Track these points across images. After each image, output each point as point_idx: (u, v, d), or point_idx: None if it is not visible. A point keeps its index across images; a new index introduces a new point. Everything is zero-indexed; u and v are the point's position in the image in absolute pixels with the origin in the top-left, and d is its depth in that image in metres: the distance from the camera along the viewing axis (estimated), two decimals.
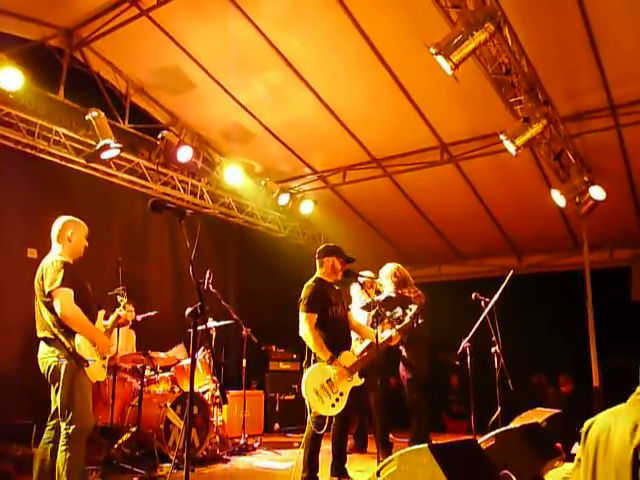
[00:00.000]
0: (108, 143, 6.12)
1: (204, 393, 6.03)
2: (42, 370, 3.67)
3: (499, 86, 5.42)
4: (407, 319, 4.63)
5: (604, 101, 6.22)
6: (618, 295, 8.21)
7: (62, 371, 3.56)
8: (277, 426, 8.06)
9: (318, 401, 4.18)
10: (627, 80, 5.88)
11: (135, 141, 7.27)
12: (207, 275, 5.83)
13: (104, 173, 6.95)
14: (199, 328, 2.74)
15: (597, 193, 6.66)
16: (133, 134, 7.24)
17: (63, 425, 3.53)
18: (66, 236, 3.89)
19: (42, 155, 6.32)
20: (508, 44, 4.95)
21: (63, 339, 3.59)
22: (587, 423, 2.09)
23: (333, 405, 4.22)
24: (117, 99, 7.12)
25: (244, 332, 6.51)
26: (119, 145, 6.25)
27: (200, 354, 6.12)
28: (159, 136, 6.93)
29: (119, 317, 4.32)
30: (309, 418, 4.31)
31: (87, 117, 6.10)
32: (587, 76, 5.90)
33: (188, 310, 2.63)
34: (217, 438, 6.06)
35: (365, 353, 4.71)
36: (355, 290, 6.44)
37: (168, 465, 5.01)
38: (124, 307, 4.40)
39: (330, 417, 4.29)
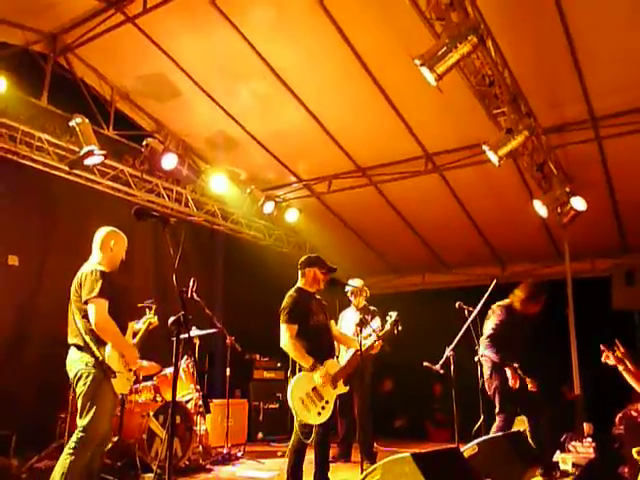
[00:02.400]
0: (92, 149, 6.07)
1: (187, 402, 5.98)
2: (70, 376, 3.75)
3: (482, 97, 5.49)
4: (388, 326, 4.63)
5: (585, 113, 6.31)
6: (599, 304, 8.30)
7: (89, 379, 3.62)
8: (261, 435, 8.02)
9: (304, 410, 4.17)
10: (608, 93, 5.98)
11: (119, 148, 7.22)
12: (191, 283, 5.81)
13: (88, 180, 6.88)
14: (182, 337, 2.72)
15: (578, 204, 6.75)
16: (117, 141, 7.19)
17: (77, 430, 3.57)
18: (109, 246, 4.00)
19: (25, 161, 6.25)
20: (491, 56, 5.03)
21: (94, 348, 3.67)
22: None
23: (319, 413, 4.22)
24: (102, 105, 7.07)
25: (228, 341, 6.48)
26: (103, 152, 6.21)
27: (183, 363, 6.07)
28: (144, 143, 6.89)
29: (150, 324, 4.44)
30: (295, 427, 4.30)
31: (71, 123, 6.06)
32: (569, 88, 5.99)
33: (171, 319, 2.62)
34: (200, 447, 6.01)
35: (351, 361, 4.71)
36: (349, 311, 6.54)
37: (150, 475, 4.95)
38: (153, 319, 4.52)
39: (315, 425, 4.29)
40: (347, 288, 6.28)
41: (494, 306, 5.34)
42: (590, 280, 8.55)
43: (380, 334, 4.65)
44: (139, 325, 4.28)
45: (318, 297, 4.71)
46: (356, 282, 6.47)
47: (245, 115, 7.32)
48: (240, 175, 8.47)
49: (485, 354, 5.12)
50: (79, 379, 3.66)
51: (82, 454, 3.53)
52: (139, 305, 4.87)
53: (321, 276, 4.64)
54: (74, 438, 3.55)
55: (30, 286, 6.34)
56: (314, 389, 4.26)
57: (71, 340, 3.77)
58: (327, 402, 4.28)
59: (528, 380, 4.98)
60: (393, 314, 4.69)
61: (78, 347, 3.72)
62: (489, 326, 5.23)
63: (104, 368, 3.66)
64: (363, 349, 4.53)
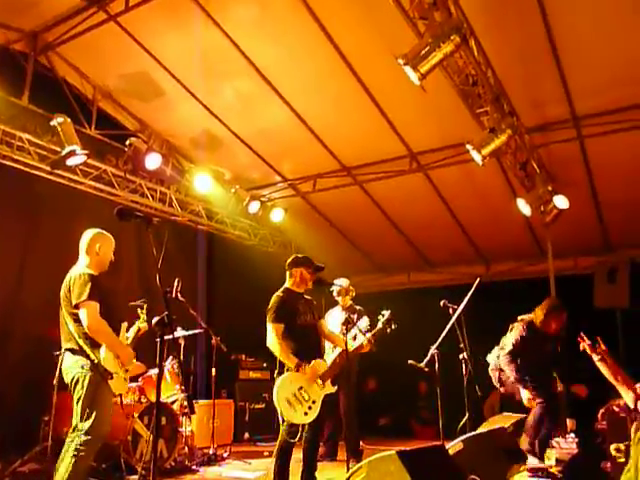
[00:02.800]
0: (74, 149, 6.00)
1: (172, 403, 5.95)
2: (66, 380, 3.75)
3: (466, 97, 5.53)
4: (380, 324, 4.64)
5: (567, 113, 6.38)
6: (582, 301, 8.39)
7: (86, 382, 3.63)
8: (247, 435, 8.00)
9: (290, 410, 4.16)
10: (589, 93, 6.05)
11: (102, 148, 7.14)
12: (176, 283, 5.78)
13: (70, 180, 6.80)
14: (167, 337, 2.71)
15: (561, 202, 6.82)
16: (100, 140, 7.11)
17: (77, 432, 3.58)
18: (94, 250, 3.98)
19: (5, 162, 6.16)
20: (474, 56, 5.06)
21: (88, 351, 3.68)
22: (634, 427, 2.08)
23: (306, 413, 4.22)
24: (84, 105, 6.98)
25: (213, 341, 6.45)
26: (85, 152, 6.13)
27: (168, 364, 6.04)
28: (127, 143, 6.82)
29: (139, 330, 4.35)
30: (282, 427, 4.29)
31: (52, 123, 5.97)
32: (551, 88, 6.05)
33: (155, 319, 2.61)
34: (186, 448, 5.99)
35: (337, 360, 4.71)
36: (335, 310, 6.54)
37: (135, 477, 4.93)
38: (144, 320, 4.47)
39: (303, 425, 4.28)
40: (333, 287, 6.28)
41: (517, 321, 5.37)
42: (573, 278, 8.64)
43: (372, 333, 4.66)
44: (129, 334, 4.22)
45: (307, 297, 4.71)
46: (342, 282, 6.48)
47: (229, 114, 7.29)
48: (224, 175, 8.44)
49: (505, 369, 5.15)
50: (76, 383, 3.67)
51: (87, 456, 3.58)
52: (130, 304, 4.81)
53: (308, 276, 4.64)
54: (78, 441, 3.56)
55: (11, 287, 6.26)
56: (300, 389, 4.25)
57: (65, 345, 3.78)
58: (314, 402, 4.27)
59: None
60: (386, 312, 4.69)
61: (73, 351, 3.73)
62: (509, 341, 5.26)
63: (100, 370, 3.67)
64: (353, 348, 4.55)
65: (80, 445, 3.55)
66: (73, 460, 3.52)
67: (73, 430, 3.69)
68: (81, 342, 3.70)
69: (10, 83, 5.97)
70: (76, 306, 3.70)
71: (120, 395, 3.94)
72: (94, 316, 3.69)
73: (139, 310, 4.61)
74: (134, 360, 4.04)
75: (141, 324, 4.40)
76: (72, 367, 3.70)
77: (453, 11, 4.56)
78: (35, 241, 6.54)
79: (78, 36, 5.98)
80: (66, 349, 3.78)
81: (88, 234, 4.06)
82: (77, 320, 3.71)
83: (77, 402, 3.65)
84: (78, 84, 6.94)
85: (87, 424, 3.58)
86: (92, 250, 3.98)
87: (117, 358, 3.79)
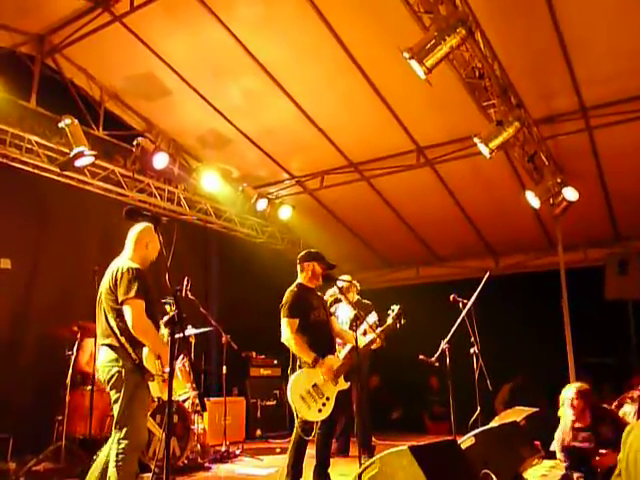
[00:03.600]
0: (82, 150, 6.03)
1: (184, 401, 5.97)
2: (102, 378, 3.59)
3: (472, 90, 5.50)
4: (390, 320, 4.64)
5: (575, 104, 6.33)
6: (592, 294, 8.35)
7: (127, 384, 3.46)
8: (259, 432, 8.03)
9: (304, 406, 4.17)
10: (597, 83, 6.00)
11: (110, 148, 7.18)
12: (185, 282, 5.80)
13: (79, 181, 6.85)
14: (177, 336, 2.72)
15: (570, 194, 6.78)
16: (108, 141, 7.15)
17: (116, 438, 3.44)
18: (144, 243, 3.83)
19: (14, 164, 6.22)
20: (480, 48, 5.03)
21: (130, 349, 3.51)
22: (627, 429, 2.06)
23: (320, 410, 4.22)
24: (91, 106, 7.02)
25: (224, 339, 6.48)
26: (93, 152, 6.16)
27: (179, 362, 6.07)
28: (134, 143, 6.84)
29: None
30: (296, 424, 4.30)
31: (60, 124, 6.01)
32: (558, 79, 6.01)
33: (165, 318, 2.62)
34: (198, 446, 6.01)
35: (349, 357, 4.71)
36: (342, 307, 6.51)
37: (148, 475, 4.95)
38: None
39: (316, 422, 4.29)
40: (339, 284, 6.28)
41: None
42: (583, 270, 8.59)
43: (382, 328, 4.65)
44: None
45: (318, 293, 4.72)
46: (345, 277, 6.46)
47: (236, 113, 7.30)
48: (232, 173, 8.45)
49: None
50: (115, 383, 3.50)
51: (130, 463, 3.43)
52: (161, 301, 4.73)
53: (320, 271, 4.64)
54: (116, 448, 3.41)
55: (24, 289, 6.31)
56: (314, 386, 4.26)
57: (103, 341, 3.60)
58: (328, 399, 4.28)
59: None
60: (395, 307, 4.68)
61: (112, 348, 3.55)
62: None
63: (142, 371, 3.51)
64: (363, 344, 4.54)
65: (120, 453, 3.40)
66: (118, 472, 3.36)
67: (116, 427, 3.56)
68: (123, 340, 3.52)
69: (18, 86, 6.02)
70: (122, 302, 3.52)
71: (159, 398, 3.68)
72: (140, 315, 3.50)
73: (168, 307, 4.49)
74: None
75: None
76: (111, 364, 3.52)
77: (458, 4, 4.54)
78: (46, 242, 6.58)
79: (84, 38, 6.02)
80: (104, 344, 3.59)
81: (139, 227, 3.88)
82: (120, 316, 3.53)
83: (115, 402, 3.51)
84: (85, 85, 6.97)
85: (126, 429, 3.42)
86: (142, 244, 3.82)
87: (158, 359, 3.59)
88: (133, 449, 3.44)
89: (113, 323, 3.55)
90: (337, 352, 4.70)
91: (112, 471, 3.37)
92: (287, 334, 4.37)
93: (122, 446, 3.39)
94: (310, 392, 4.23)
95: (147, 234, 3.85)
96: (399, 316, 4.62)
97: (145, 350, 3.50)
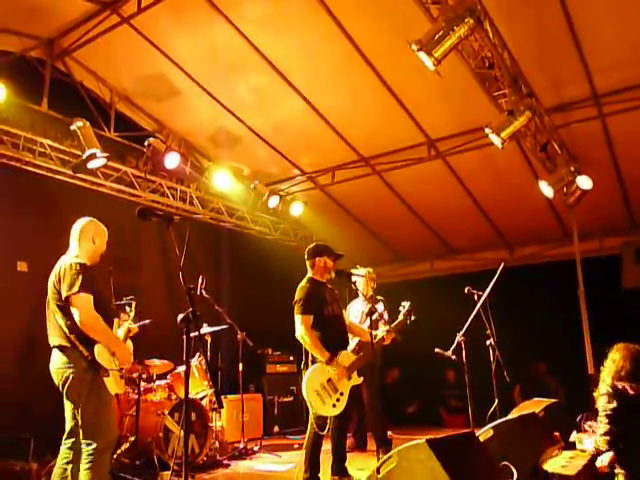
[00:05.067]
0: (94, 152, 6.08)
1: (202, 399, 6.01)
2: (56, 382, 3.40)
3: (482, 80, 5.45)
4: (401, 316, 4.63)
5: (587, 91, 6.25)
6: (609, 283, 8.26)
7: (83, 386, 3.30)
8: (276, 428, 8.06)
9: (319, 401, 4.19)
10: (609, 69, 5.92)
11: (122, 149, 7.23)
12: (200, 281, 5.83)
13: (92, 183, 6.91)
14: (192, 334, 2.73)
15: (584, 182, 6.70)
16: (119, 142, 7.20)
17: (85, 442, 3.28)
18: (90, 237, 3.71)
19: (28, 167, 6.28)
20: (489, 38, 4.98)
21: (81, 347, 3.34)
22: None
23: (334, 405, 4.24)
24: (102, 108, 7.08)
25: (239, 336, 6.51)
26: (106, 154, 6.21)
27: (195, 360, 6.10)
28: (146, 143, 6.88)
29: (129, 331, 4.03)
30: (310, 419, 4.31)
31: (72, 127, 6.06)
32: (569, 67, 5.93)
33: (180, 316, 2.62)
34: (217, 443, 6.05)
35: (361, 353, 4.71)
36: (356, 302, 6.48)
37: (168, 473, 4.99)
38: (132, 325, 4.15)
39: (330, 417, 4.30)
40: (354, 278, 6.28)
41: None
42: (599, 259, 8.50)
43: (394, 324, 4.64)
44: (119, 332, 3.92)
45: (329, 286, 4.72)
46: (361, 271, 6.44)
47: (245, 110, 7.30)
48: (243, 171, 8.48)
49: None
50: (70, 386, 3.31)
51: (101, 465, 3.29)
52: (116, 303, 4.55)
53: (331, 264, 4.65)
54: (87, 451, 3.26)
55: (40, 291, 6.36)
56: (329, 381, 4.27)
57: (54, 342, 3.42)
58: (342, 394, 4.29)
59: None
60: (406, 304, 4.68)
61: (63, 349, 3.37)
62: None
63: (96, 368, 3.35)
64: (375, 340, 4.53)
65: (90, 455, 3.24)
66: (89, 474, 3.23)
67: (68, 436, 3.43)
68: (73, 338, 3.34)
69: (29, 90, 6.08)
70: (67, 299, 3.34)
71: (117, 395, 3.57)
72: (88, 310, 3.34)
73: (127, 309, 4.30)
74: (132, 359, 3.74)
75: (130, 325, 4.07)
76: (64, 367, 3.33)
77: None
78: (62, 244, 6.61)
79: (93, 40, 6.05)
80: (55, 346, 3.41)
81: (83, 222, 3.76)
82: (67, 314, 3.36)
83: (76, 408, 3.33)
84: (95, 88, 7.02)
85: (93, 431, 3.27)
86: (87, 238, 3.69)
87: (113, 355, 3.48)
88: (102, 450, 3.30)
89: (61, 322, 3.39)
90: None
91: (84, 474, 3.24)
92: (301, 331, 4.38)
93: (91, 449, 3.24)
94: (325, 387, 4.24)
95: (92, 227, 3.75)
96: (410, 312, 4.61)
97: (97, 346, 3.37)
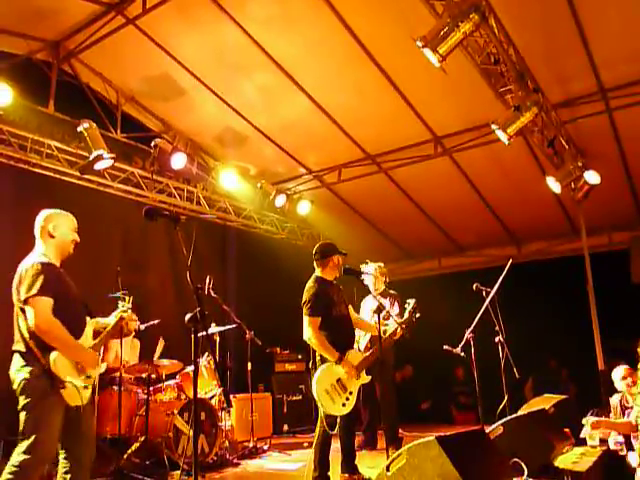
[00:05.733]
0: (101, 154, 6.10)
1: (211, 398, 6.02)
2: (14, 387, 3.15)
3: (488, 76, 5.43)
4: (406, 314, 4.61)
5: (594, 85, 6.21)
6: (618, 278, 8.21)
7: (33, 394, 3.05)
8: (286, 427, 8.06)
9: (329, 401, 4.19)
10: (615, 63, 5.88)
11: (128, 150, 7.26)
12: (207, 280, 5.84)
13: (99, 184, 6.94)
14: (200, 334, 2.74)
15: (592, 177, 6.67)
16: (126, 143, 7.23)
17: (18, 450, 3.00)
18: (47, 231, 3.40)
19: (35, 169, 6.31)
20: (495, 33, 4.95)
21: (39, 354, 3.09)
22: None
23: (344, 404, 4.24)
24: (108, 109, 7.11)
25: (248, 335, 6.51)
26: (112, 155, 6.24)
27: (204, 360, 6.11)
28: (152, 144, 6.91)
29: (120, 321, 3.64)
30: (320, 418, 4.32)
31: (79, 129, 6.09)
32: (576, 62, 5.90)
33: (188, 316, 2.63)
34: (226, 443, 6.06)
35: (370, 350, 4.70)
36: (369, 298, 6.48)
37: (178, 472, 5.01)
38: (125, 312, 3.77)
39: (339, 415, 4.30)
40: (363, 277, 6.27)
41: None
42: (608, 254, 8.46)
43: (400, 322, 4.63)
44: (110, 319, 3.61)
45: (336, 285, 4.72)
46: (370, 267, 6.43)
47: (251, 110, 7.31)
48: (249, 170, 8.49)
49: None
50: (22, 392, 3.07)
51: (28, 477, 2.99)
52: (109, 296, 4.37)
53: (332, 265, 4.65)
54: (16, 460, 2.97)
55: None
56: (338, 380, 4.28)
57: (15, 346, 3.19)
58: (351, 393, 4.30)
59: None
60: (411, 301, 4.66)
61: (20, 353, 3.13)
62: None
63: (51, 378, 3.07)
64: (385, 336, 4.53)
65: (16, 466, 2.95)
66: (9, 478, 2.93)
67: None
68: (32, 343, 3.10)
69: (36, 92, 6.12)
70: (25, 301, 3.12)
71: (78, 407, 3.15)
72: (43, 315, 3.10)
73: (120, 303, 3.93)
74: (100, 364, 3.43)
75: (124, 312, 3.69)
76: (19, 372, 3.10)
77: None
78: None
79: (98, 42, 6.09)
80: (14, 350, 3.18)
81: (39, 216, 3.47)
82: (27, 318, 3.13)
83: (21, 410, 3.07)
84: (101, 89, 7.05)
85: (26, 443, 2.98)
86: (45, 232, 3.40)
87: (77, 363, 3.20)
88: (31, 465, 3.00)
89: (22, 325, 3.17)
90: (356, 342, 4.69)
91: (4, 478, 2.96)
92: (309, 333, 4.38)
93: (20, 459, 2.97)
94: (334, 386, 4.25)
95: (49, 218, 3.45)
96: (415, 309, 4.60)
97: (53, 354, 3.10)
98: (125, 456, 5.13)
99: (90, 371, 3.28)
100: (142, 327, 6.08)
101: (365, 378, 4.42)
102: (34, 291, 3.12)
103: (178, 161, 6.98)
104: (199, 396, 5.80)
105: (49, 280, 3.18)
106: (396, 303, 6.09)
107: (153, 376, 5.69)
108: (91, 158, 6.15)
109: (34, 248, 3.43)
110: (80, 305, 3.45)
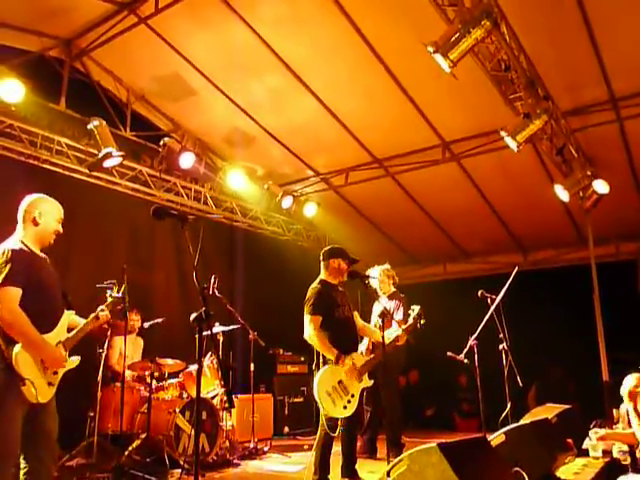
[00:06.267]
0: (110, 151, 6.13)
1: (213, 398, 6.03)
2: None
3: (498, 83, 5.42)
4: (410, 320, 4.60)
5: (605, 94, 6.19)
6: (625, 288, 8.17)
7: None
8: (287, 429, 8.06)
9: (330, 403, 4.18)
10: (627, 73, 5.86)
11: (137, 149, 7.29)
12: (212, 280, 5.85)
13: (107, 181, 6.97)
14: (205, 333, 2.74)
15: (601, 187, 6.64)
16: (135, 142, 7.26)
17: None
18: (31, 217, 3.24)
19: (45, 165, 6.34)
20: (506, 40, 4.95)
21: (3, 346, 2.97)
22: None
23: (345, 407, 4.22)
24: (118, 107, 7.14)
25: (251, 336, 6.52)
26: (121, 153, 6.26)
27: (207, 359, 6.12)
28: (161, 143, 6.93)
29: (97, 318, 3.54)
30: (321, 420, 4.31)
31: (89, 126, 6.12)
32: (587, 70, 5.88)
33: (193, 315, 2.63)
34: (227, 443, 6.06)
35: (372, 354, 4.70)
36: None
37: (178, 471, 5.02)
38: (106, 306, 3.69)
39: (341, 418, 4.29)
40: (369, 280, 6.24)
41: None
42: (615, 264, 8.42)
43: (404, 327, 4.62)
44: (102, 308, 3.53)
45: (341, 289, 4.71)
46: (375, 271, 6.41)
47: (260, 111, 7.33)
48: (257, 171, 8.50)
49: None
50: None
51: None
52: (98, 285, 4.24)
53: (345, 267, 4.64)
54: None
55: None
56: (340, 382, 4.26)
57: None
58: (352, 395, 4.28)
59: None
60: (416, 307, 4.66)
61: None
62: None
63: (12, 372, 2.94)
64: (387, 343, 4.52)
65: None
66: None
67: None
68: None
69: (47, 89, 6.15)
70: None
71: (40, 404, 3.04)
72: (8, 305, 2.94)
73: (108, 293, 3.85)
74: (66, 362, 3.26)
75: (102, 311, 3.59)
76: None
77: None
78: (76, 241, 6.68)
79: (110, 40, 6.12)
80: None
81: (26, 200, 3.31)
82: None
83: None
84: (112, 87, 7.08)
85: None
86: (29, 218, 3.24)
87: (40, 360, 3.06)
88: None
89: None
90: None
91: None
92: (310, 331, 4.38)
93: None
94: (336, 388, 4.23)
95: (36, 204, 3.29)
96: (419, 316, 4.59)
97: (16, 348, 2.96)
98: (126, 453, 5.14)
99: (54, 368, 3.15)
100: (146, 325, 6.12)
101: (367, 382, 4.41)
102: (0, 280, 2.96)
103: (186, 160, 7.00)
104: (201, 395, 5.81)
105: (19, 268, 3.02)
106: (401, 307, 6.06)
107: (156, 374, 5.70)
108: (100, 155, 6.18)
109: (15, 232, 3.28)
110: (56, 295, 3.29)
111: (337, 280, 4.67)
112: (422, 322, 4.56)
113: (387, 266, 6.46)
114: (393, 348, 4.68)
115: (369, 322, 5.83)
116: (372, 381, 4.44)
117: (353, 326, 4.68)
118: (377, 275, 6.36)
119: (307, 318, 4.42)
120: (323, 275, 4.68)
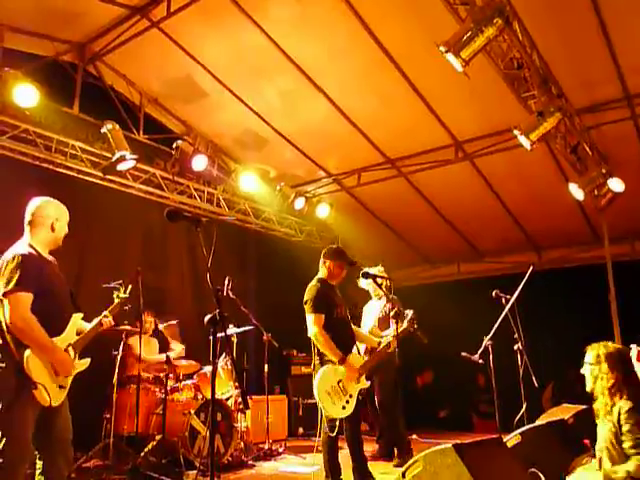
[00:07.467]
0: (124, 155, 6.19)
1: (227, 399, 6.05)
2: None
3: (511, 81, 5.39)
4: (405, 323, 4.54)
5: (619, 91, 6.13)
6: None
7: (3, 386, 2.95)
8: (301, 430, 8.06)
9: (330, 402, 4.19)
10: None
11: (150, 152, 7.35)
12: (226, 282, 5.87)
13: (121, 184, 7.03)
14: (219, 335, 2.75)
15: (616, 185, 6.56)
16: (148, 145, 7.32)
17: None
18: (49, 224, 3.27)
19: (59, 169, 6.41)
20: (518, 38, 4.92)
21: (14, 349, 2.97)
22: None
23: (344, 407, 4.24)
24: (131, 111, 7.20)
25: (265, 337, 6.53)
26: (135, 156, 6.31)
27: (222, 361, 6.14)
28: (174, 146, 6.99)
29: (101, 324, 3.55)
30: (322, 422, 4.31)
31: (102, 130, 6.19)
32: (601, 67, 5.83)
33: (207, 317, 2.64)
34: (242, 444, 6.08)
35: (370, 356, 4.69)
36: (371, 303, 6.44)
37: (194, 472, 5.03)
38: (111, 310, 3.72)
39: (341, 419, 4.29)
40: (364, 282, 6.21)
41: None
42: (631, 264, 8.31)
43: (398, 332, 4.56)
44: (88, 325, 3.48)
45: (336, 290, 4.73)
46: (373, 271, 6.37)
47: (272, 113, 7.34)
48: (269, 173, 8.51)
49: None
50: None
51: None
52: (104, 286, 4.31)
53: (336, 270, 4.65)
54: None
55: (71, 288, 6.47)
56: (339, 382, 4.27)
57: None
58: (351, 396, 4.30)
59: None
60: (409, 312, 4.61)
61: None
62: None
63: (24, 375, 2.95)
64: (380, 347, 4.53)
65: None
66: None
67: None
68: (9, 338, 2.99)
69: (61, 93, 6.21)
70: (4, 295, 2.99)
71: (52, 407, 3.05)
72: (19, 311, 2.97)
73: (115, 293, 3.88)
74: (74, 368, 3.27)
75: (105, 318, 3.58)
76: None
77: None
78: (91, 244, 6.74)
79: (123, 44, 6.17)
80: None
81: (38, 203, 3.29)
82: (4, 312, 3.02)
83: None
84: (125, 91, 7.14)
85: (1, 443, 2.84)
86: (45, 225, 3.26)
87: (50, 365, 3.07)
88: (7, 469, 2.86)
89: (1, 318, 3.04)
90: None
91: None
92: (315, 330, 4.37)
93: None
94: (335, 388, 4.24)
95: (52, 212, 3.29)
96: (413, 321, 4.53)
97: (27, 353, 2.97)
98: (142, 454, 5.17)
99: (64, 374, 3.17)
100: (160, 327, 6.16)
101: (364, 383, 4.40)
102: (11, 286, 2.99)
103: (199, 163, 7.04)
104: (216, 397, 5.82)
105: (29, 273, 3.04)
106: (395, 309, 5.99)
107: (171, 375, 5.73)
108: (114, 159, 6.24)
109: (23, 236, 3.28)
110: (65, 298, 3.32)
111: (335, 281, 4.68)
112: (415, 327, 4.50)
113: (380, 268, 6.36)
114: (384, 355, 4.60)
115: (358, 325, 5.83)
116: (369, 383, 4.45)
117: (350, 327, 4.71)
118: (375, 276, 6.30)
119: (310, 317, 4.43)
120: (321, 274, 4.70)
